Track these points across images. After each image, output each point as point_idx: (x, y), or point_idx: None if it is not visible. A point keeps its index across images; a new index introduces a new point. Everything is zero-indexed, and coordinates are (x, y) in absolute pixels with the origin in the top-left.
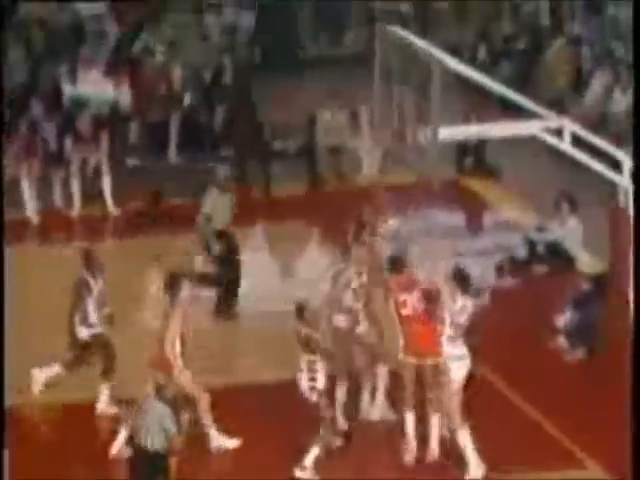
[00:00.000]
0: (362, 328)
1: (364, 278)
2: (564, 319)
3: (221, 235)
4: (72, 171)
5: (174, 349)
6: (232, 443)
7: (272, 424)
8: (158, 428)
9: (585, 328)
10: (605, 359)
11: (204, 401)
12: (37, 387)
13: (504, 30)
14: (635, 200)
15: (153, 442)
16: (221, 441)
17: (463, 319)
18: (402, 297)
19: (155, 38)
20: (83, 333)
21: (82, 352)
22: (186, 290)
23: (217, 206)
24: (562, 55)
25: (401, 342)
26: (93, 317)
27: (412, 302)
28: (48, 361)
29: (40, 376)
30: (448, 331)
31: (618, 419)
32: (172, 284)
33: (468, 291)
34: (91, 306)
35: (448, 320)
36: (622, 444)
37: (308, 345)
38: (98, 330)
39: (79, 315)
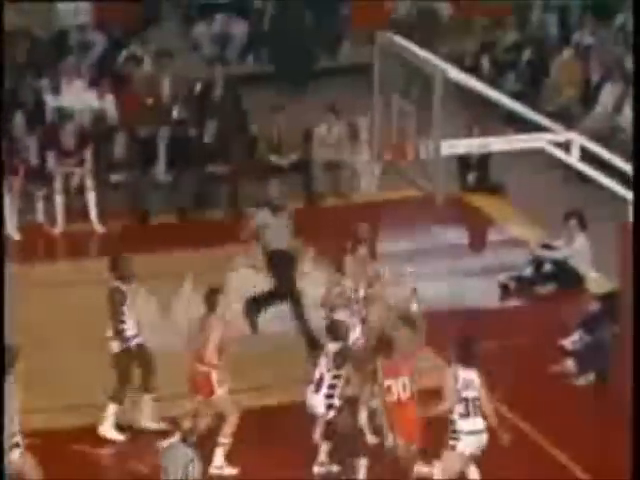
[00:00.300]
0: (359, 343)
1: (361, 293)
2: (573, 341)
3: (277, 256)
4: (56, 187)
5: (213, 361)
6: (231, 471)
7: (273, 448)
8: (183, 474)
9: (595, 350)
10: (615, 383)
11: (233, 419)
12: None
13: (509, 40)
14: (635, 210)
15: None
16: (223, 464)
17: (472, 394)
18: (387, 383)
19: (143, 48)
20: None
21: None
22: (224, 305)
23: (271, 227)
24: (570, 66)
25: (387, 428)
26: (130, 327)
27: (397, 389)
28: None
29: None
30: (457, 408)
31: (626, 445)
32: (210, 298)
33: (470, 364)
34: (127, 315)
35: (454, 397)
36: (628, 468)
37: (336, 359)
38: (131, 343)
39: (113, 326)
